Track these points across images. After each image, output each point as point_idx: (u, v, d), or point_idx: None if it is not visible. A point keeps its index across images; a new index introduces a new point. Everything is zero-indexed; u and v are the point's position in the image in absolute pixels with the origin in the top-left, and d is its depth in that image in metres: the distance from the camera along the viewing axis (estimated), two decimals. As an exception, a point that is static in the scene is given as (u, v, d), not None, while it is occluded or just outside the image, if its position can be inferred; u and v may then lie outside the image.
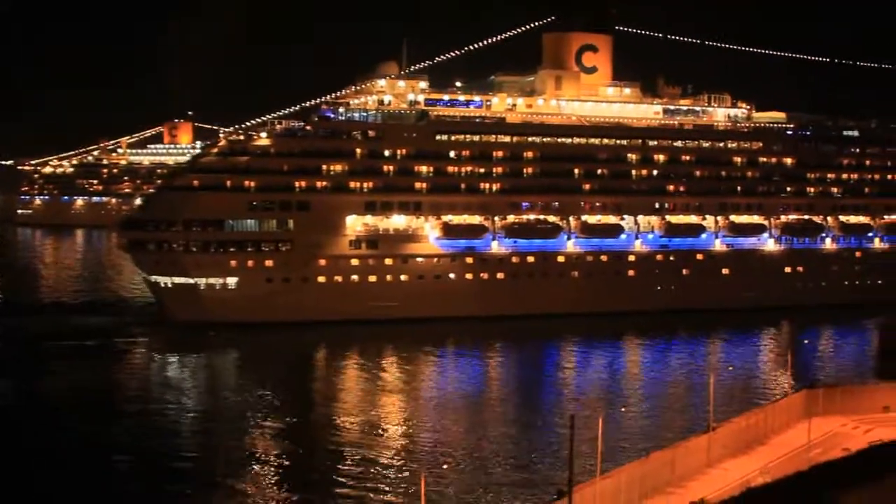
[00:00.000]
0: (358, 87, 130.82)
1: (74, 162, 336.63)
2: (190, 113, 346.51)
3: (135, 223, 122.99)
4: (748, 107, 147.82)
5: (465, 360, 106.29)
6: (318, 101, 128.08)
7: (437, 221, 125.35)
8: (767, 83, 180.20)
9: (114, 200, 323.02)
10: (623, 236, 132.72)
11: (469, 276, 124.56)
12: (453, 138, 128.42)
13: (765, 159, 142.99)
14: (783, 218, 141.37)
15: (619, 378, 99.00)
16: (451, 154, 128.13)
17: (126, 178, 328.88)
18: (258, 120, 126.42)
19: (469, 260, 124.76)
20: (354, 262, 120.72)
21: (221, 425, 77.04)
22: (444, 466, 64.03)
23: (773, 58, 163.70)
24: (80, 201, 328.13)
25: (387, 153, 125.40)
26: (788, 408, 63.76)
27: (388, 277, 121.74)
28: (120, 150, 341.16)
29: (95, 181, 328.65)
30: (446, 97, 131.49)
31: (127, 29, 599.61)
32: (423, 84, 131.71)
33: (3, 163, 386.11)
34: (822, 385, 69.92)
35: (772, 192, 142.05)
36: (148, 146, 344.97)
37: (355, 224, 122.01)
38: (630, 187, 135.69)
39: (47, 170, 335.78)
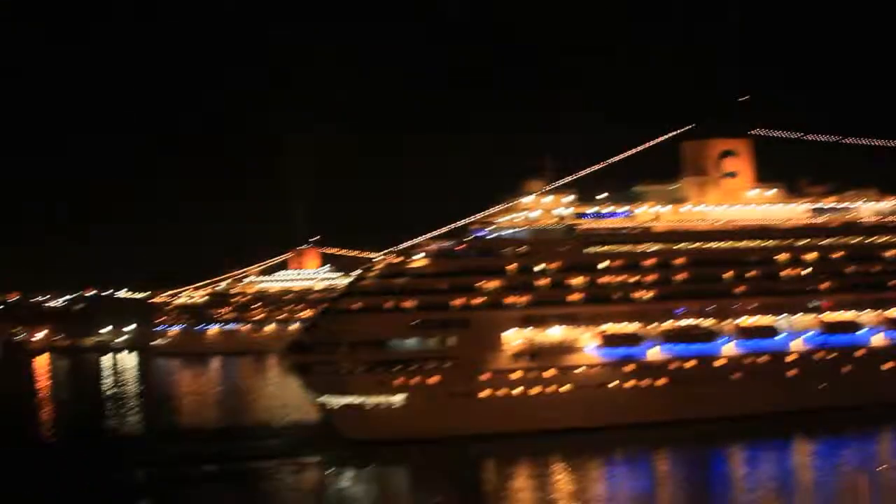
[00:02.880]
0: (506, 205, 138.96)
1: (207, 292, 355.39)
2: (314, 239, 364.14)
3: (300, 346, 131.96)
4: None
5: (632, 467, 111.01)
6: (468, 220, 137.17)
7: (593, 331, 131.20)
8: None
9: (247, 327, 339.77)
10: (780, 337, 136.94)
11: (629, 383, 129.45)
12: (602, 249, 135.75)
13: None
14: None
15: (792, 480, 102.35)
16: (602, 265, 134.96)
17: (257, 305, 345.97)
18: (409, 243, 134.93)
19: (628, 368, 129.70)
20: (516, 375, 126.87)
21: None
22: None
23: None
24: (214, 329, 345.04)
25: (539, 268, 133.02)
26: None
27: (550, 388, 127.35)
28: (249, 279, 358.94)
29: (228, 309, 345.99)
30: (592, 210, 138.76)
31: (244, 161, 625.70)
32: (569, 198, 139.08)
33: (137, 296, 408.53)
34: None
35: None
36: (274, 273, 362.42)
37: (514, 338, 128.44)
38: (782, 288, 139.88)
39: (181, 300, 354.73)
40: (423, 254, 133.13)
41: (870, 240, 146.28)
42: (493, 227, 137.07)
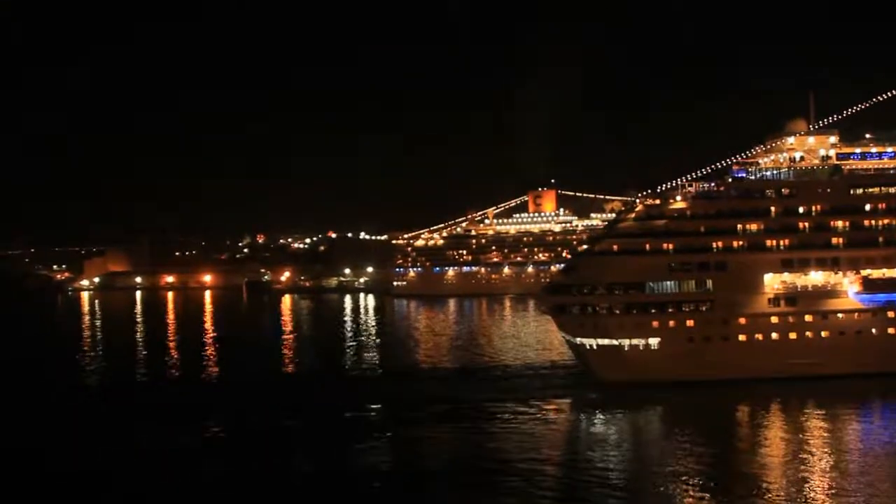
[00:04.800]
0: (768, 146, 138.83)
1: (444, 234, 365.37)
2: (553, 181, 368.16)
3: (559, 288, 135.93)
4: None
5: (889, 418, 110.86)
6: (730, 161, 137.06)
7: (855, 276, 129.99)
8: None
9: (483, 270, 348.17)
10: None
11: (891, 330, 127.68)
12: (868, 191, 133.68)
13: None
14: None
15: None
16: (867, 207, 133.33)
17: (494, 247, 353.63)
18: (670, 184, 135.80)
19: (891, 314, 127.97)
20: (774, 319, 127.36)
21: (646, 479, 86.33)
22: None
23: None
24: (451, 272, 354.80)
25: (801, 210, 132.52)
26: None
27: (808, 334, 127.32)
28: (487, 221, 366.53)
29: (465, 252, 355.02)
30: (858, 150, 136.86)
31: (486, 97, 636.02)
32: (834, 139, 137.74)
33: (379, 237, 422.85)
34: None
35: None
36: (513, 216, 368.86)
37: (773, 282, 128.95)
38: None
39: (419, 242, 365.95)
40: (682, 196, 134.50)
41: None
42: (756, 167, 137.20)
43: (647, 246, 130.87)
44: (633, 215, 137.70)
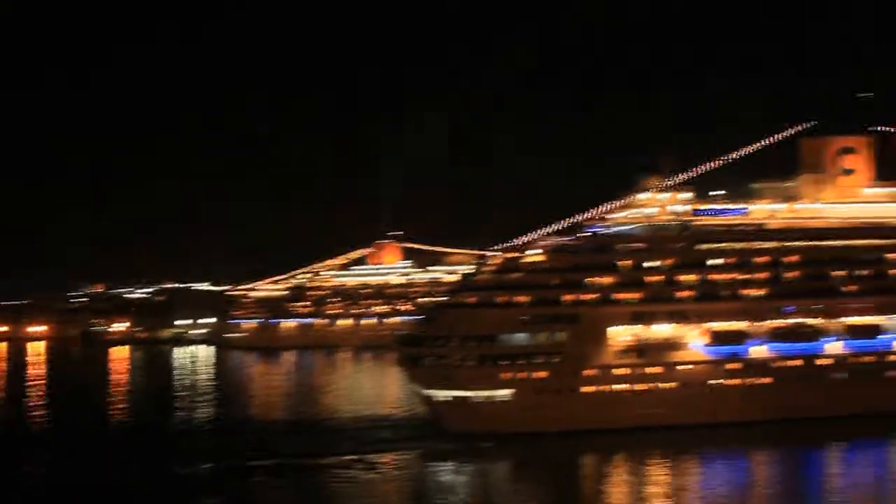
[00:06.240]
0: (623, 202, 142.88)
1: (284, 285, 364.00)
2: (395, 234, 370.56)
3: (413, 340, 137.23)
4: None
5: (731, 466, 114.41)
6: (582, 217, 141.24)
7: (701, 329, 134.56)
8: None
9: (322, 321, 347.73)
10: (885, 336, 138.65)
11: (734, 381, 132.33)
12: (715, 247, 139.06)
13: None
14: None
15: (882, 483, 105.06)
16: (714, 262, 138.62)
17: (333, 299, 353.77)
18: (527, 238, 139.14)
19: (734, 365, 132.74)
20: (622, 371, 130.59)
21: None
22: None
23: None
24: (289, 323, 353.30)
25: (651, 265, 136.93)
26: None
27: (655, 385, 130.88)
28: (328, 273, 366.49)
29: (304, 303, 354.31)
30: (708, 207, 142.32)
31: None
32: (686, 195, 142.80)
33: (218, 288, 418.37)
34: None
35: None
36: (352, 268, 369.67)
37: (622, 334, 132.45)
38: (892, 287, 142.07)
39: (258, 294, 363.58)
40: (538, 249, 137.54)
41: None
42: (610, 223, 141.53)
43: (502, 299, 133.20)
44: (489, 268, 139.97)
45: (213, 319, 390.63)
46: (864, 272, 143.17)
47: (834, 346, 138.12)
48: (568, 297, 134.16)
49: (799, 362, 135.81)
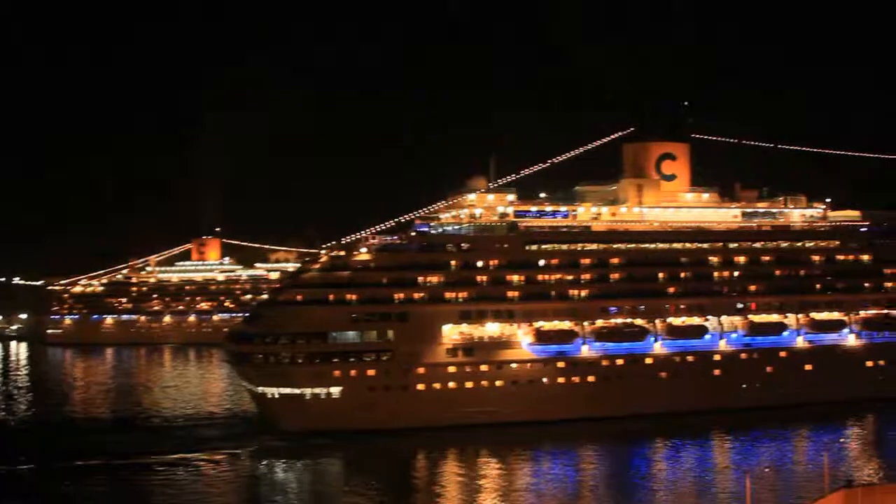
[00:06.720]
0: (450, 202, 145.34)
1: (104, 281, 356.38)
2: (217, 229, 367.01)
3: (241, 337, 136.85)
4: (823, 206, 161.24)
5: (559, 462, 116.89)
6: (412, 215, 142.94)
7: (529, 328, 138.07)
8: (840, 182, 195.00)
9: (143, 318, 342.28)
10: (707, 337, 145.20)
11: (561, 379, 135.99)
12: (542, 248, 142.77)
13: (842, 257, 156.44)
14: (862, 313, 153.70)
15: (711, 476, 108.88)
16: (541, 263, 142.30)
17: (155, 295, 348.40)
18: (355, 236, 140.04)
19: (560, 364, 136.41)
20: (451, 369, 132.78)
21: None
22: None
23: (847, 158, 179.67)
24: (109, 320, 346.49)
25: (479, 264, 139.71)
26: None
27: (484, 383, 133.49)
28: (148, 268, 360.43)
29: (125, 299, 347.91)
30: (534, 208, 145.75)
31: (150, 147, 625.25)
32: (512, 196, 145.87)
33: (33, 283, 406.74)
34: (859, 485, 71.82)
35: (850, 288, 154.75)
36: (175, 263, 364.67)
37: (451, 333, 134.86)
38: (713, 289, 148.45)
39: (77, 289, 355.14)
40: (366, 248, 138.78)
41: (798, 244, 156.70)
42: (438, 222, 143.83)
43: (331, 296, 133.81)
44: (317, 266, 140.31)
45: (29, 315, 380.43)
46: (685, 274, 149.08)
47: (658, 346, 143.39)
48: (398, 296, 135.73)
49: (623, 361, 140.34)
